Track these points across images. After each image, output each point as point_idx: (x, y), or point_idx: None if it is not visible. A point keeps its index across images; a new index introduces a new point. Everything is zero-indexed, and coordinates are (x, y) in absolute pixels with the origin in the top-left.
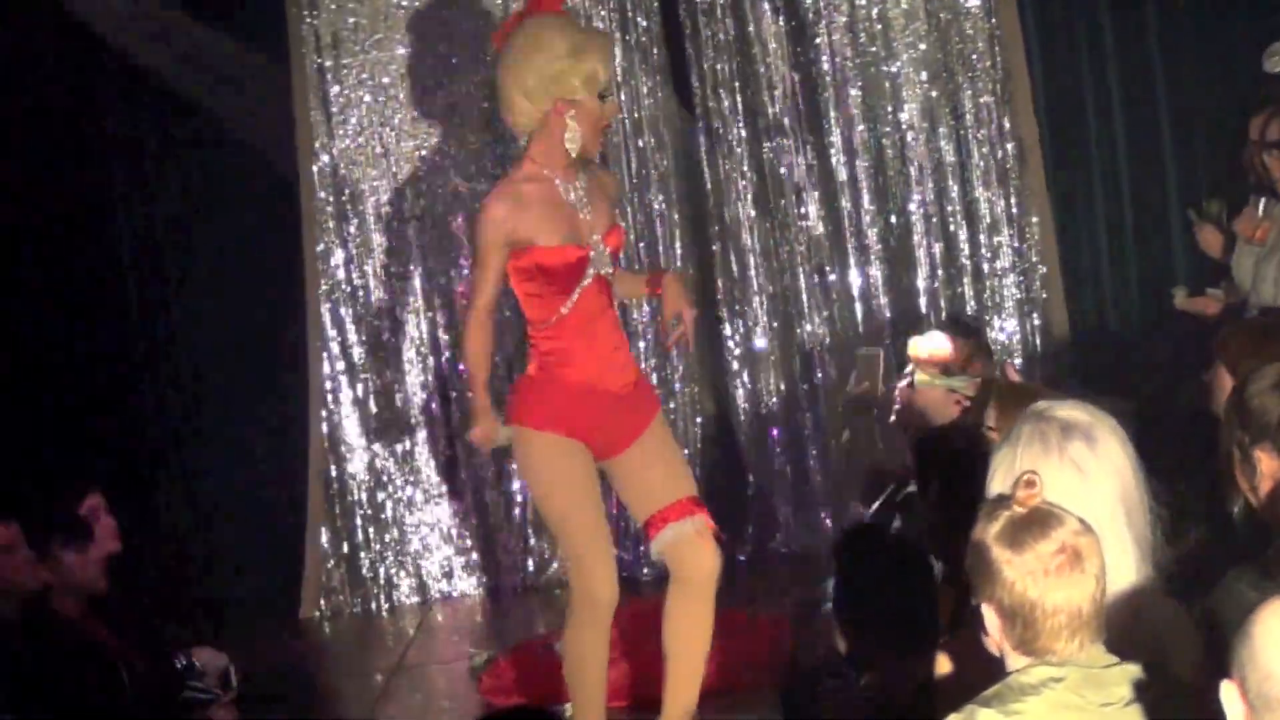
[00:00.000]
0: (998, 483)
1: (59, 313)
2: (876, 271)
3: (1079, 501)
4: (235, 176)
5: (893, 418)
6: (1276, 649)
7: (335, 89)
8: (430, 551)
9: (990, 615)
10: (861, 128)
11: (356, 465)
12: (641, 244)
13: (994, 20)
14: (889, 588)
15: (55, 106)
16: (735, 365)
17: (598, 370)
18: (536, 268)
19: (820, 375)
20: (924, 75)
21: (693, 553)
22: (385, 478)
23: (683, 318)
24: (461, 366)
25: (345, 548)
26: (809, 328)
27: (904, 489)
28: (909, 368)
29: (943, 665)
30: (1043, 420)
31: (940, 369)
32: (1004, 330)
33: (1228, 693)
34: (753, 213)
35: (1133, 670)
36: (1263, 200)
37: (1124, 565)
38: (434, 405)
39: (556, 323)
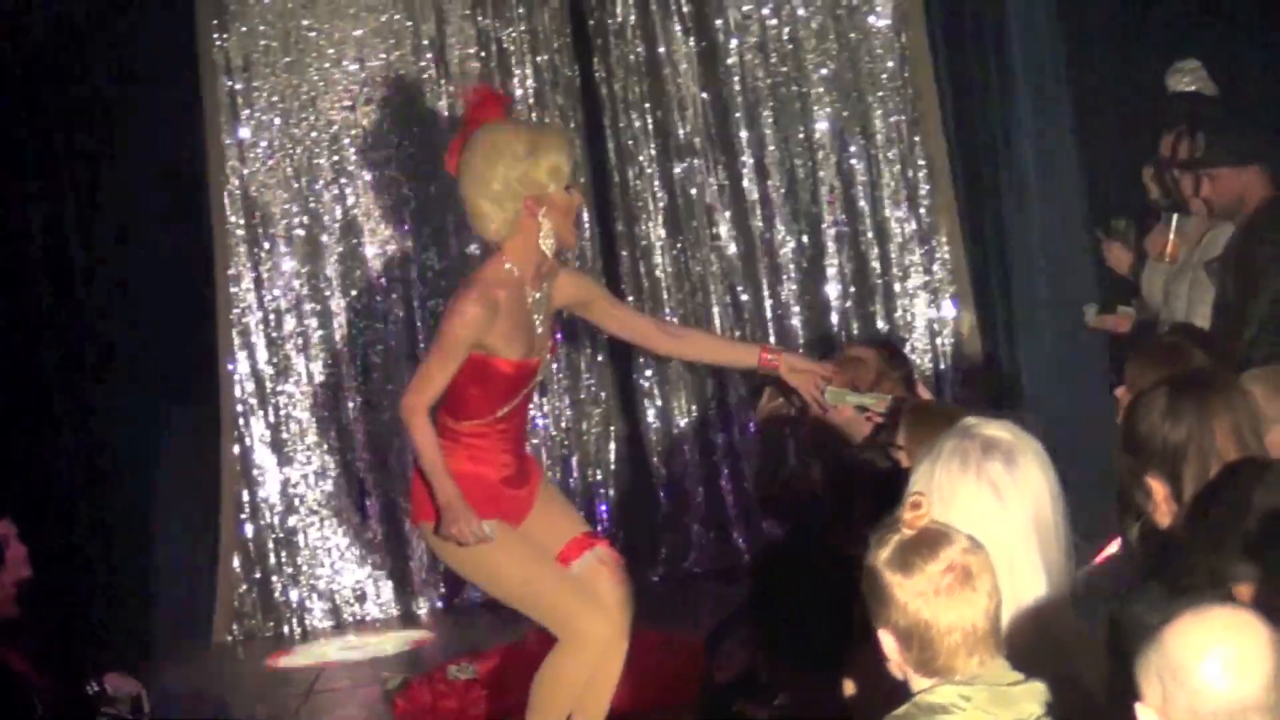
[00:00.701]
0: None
1: None
2: (788, 291)
3: (992, 522)
4: (146, 200)
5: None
6: (1195, 663)
7: (246, 112)
8: (343, 575)
9: (888, 640)
10: (772, 147)
11: (269, 489)
12: None
13: (903, 40)
14: (805, 607)
15: None
16: (646, 385)
17: (510, 463)
18: (496, 375)
19: (732, 395)
20: (834, 95)
21: (603, 580)
22: (297, 502)
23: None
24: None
25: (258, 572)
26: None
27: (818, 507)
28: (821, 385)
29: (848, 688)
30: (966, 438)
31: (851, 385)
32: (914, 350)
33: (1144, 715)
34: (664, 233)
35: (1038, 687)
36: (1174, 217)
37: (1034, 586)
38: (346, 428)
39: (489, 422)
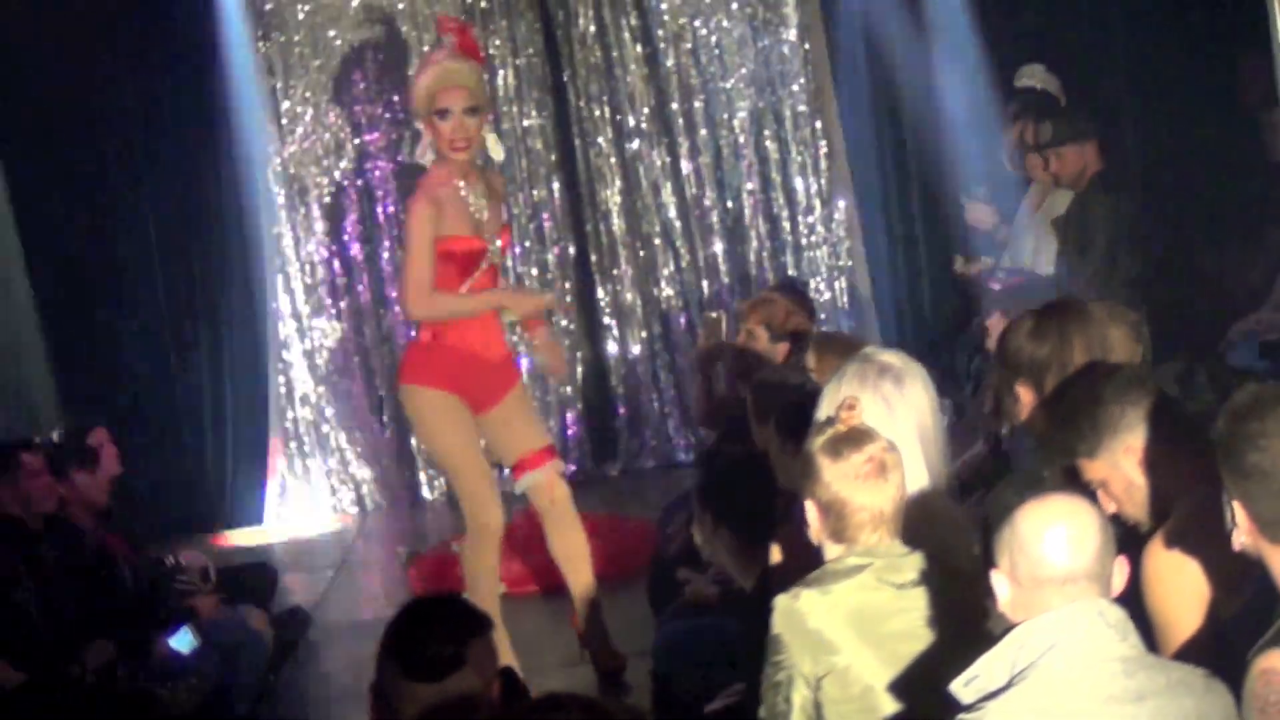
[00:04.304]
0: (824, 409)
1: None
2: (717, 246)
3: (884, 430)
4: (210, 175)
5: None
6: (1037, 538)
7: (285, 104)
8: (364, 470)
9: (811, 510)
10: (703, 131)
11: (307, 404)
12: (532, 225)
13: (807, 46)
14: (735, 495)
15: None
16: (606, 320)
17: (480, 342)
18: (447, 253)
19: (675, 328)
20: (752, 90)
21: (547, 491)
22: (329, 412)
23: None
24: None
25: (298, 469)
26: (665, 291)
27: (744, 419)
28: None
29: (775, 554)
30: (866, 362)
31: (764, 322)
32: (818, 291)
33: (997, 580)
34: (619, 199)
35: (920, 559)
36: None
37: (918, 480)
38: (367, 355)
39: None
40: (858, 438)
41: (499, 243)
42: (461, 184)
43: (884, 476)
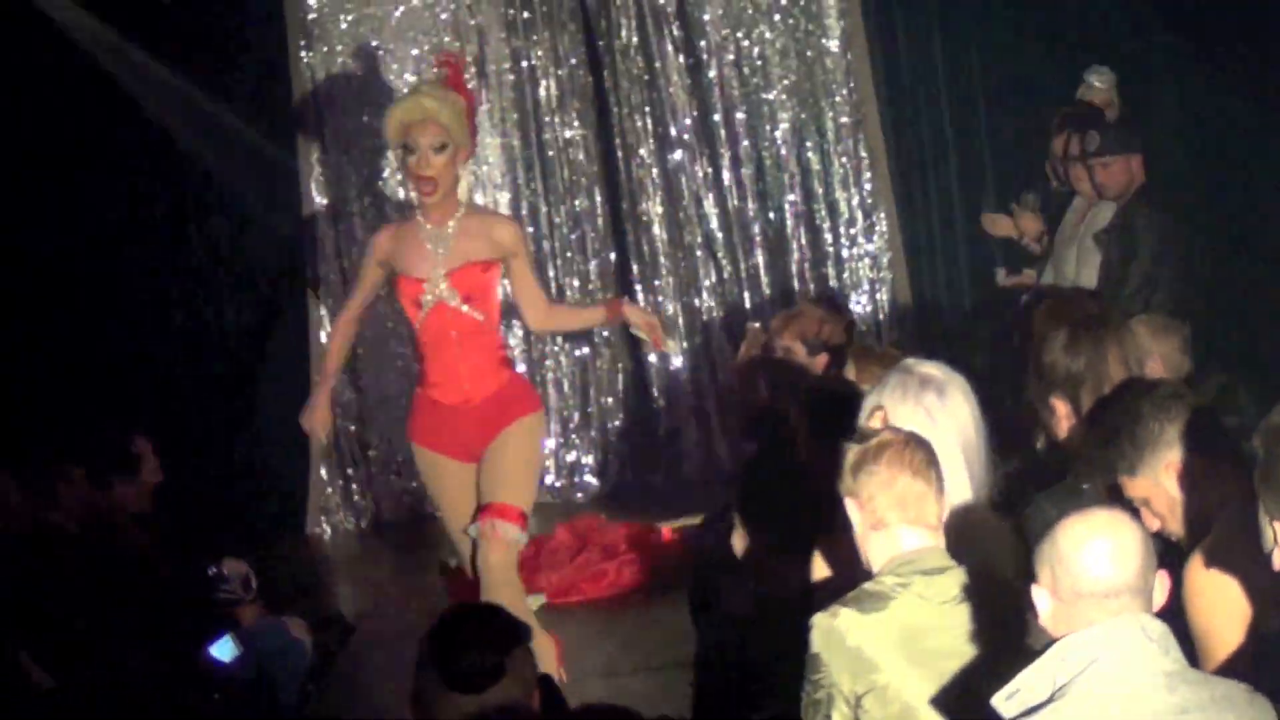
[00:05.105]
0: (862, 419)
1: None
2: (758, 257)
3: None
4: (253, 186)
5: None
6: (1078, 553)
7: (328, 114)
8: (404, 480)
9: (851, 508)
10: (746, 143)
11: (347, 412)
12: (573, 236)
13: (849, 57)
14: (777, 506)
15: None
16: None
17: (440, 387)
18: (398, 289)
19: (716, 339)
20: (794, 101)
21: (481, 547)
22: (369, 421)
23: (654, 325)
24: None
25: (340, 479)
26: (707, 302)
27: (785, 429)
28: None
29: (819, 569)
30: (908, 374)
31: (799, 334)
32: (859, 304)
33: (1038, 594)
34: (661, 210)
35: (961, 573)
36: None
37: (960, 493)
38: (405, 363)
39: (416, 342)
40: (888, 430)
41: (447, 284)
42: (424, 221)
43: (914, 455)
